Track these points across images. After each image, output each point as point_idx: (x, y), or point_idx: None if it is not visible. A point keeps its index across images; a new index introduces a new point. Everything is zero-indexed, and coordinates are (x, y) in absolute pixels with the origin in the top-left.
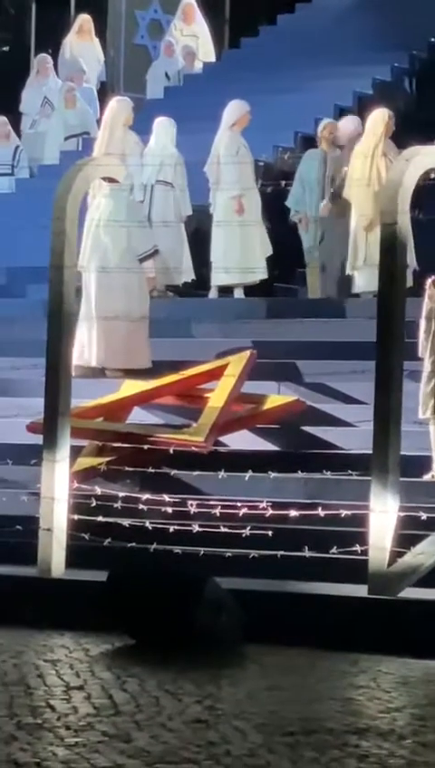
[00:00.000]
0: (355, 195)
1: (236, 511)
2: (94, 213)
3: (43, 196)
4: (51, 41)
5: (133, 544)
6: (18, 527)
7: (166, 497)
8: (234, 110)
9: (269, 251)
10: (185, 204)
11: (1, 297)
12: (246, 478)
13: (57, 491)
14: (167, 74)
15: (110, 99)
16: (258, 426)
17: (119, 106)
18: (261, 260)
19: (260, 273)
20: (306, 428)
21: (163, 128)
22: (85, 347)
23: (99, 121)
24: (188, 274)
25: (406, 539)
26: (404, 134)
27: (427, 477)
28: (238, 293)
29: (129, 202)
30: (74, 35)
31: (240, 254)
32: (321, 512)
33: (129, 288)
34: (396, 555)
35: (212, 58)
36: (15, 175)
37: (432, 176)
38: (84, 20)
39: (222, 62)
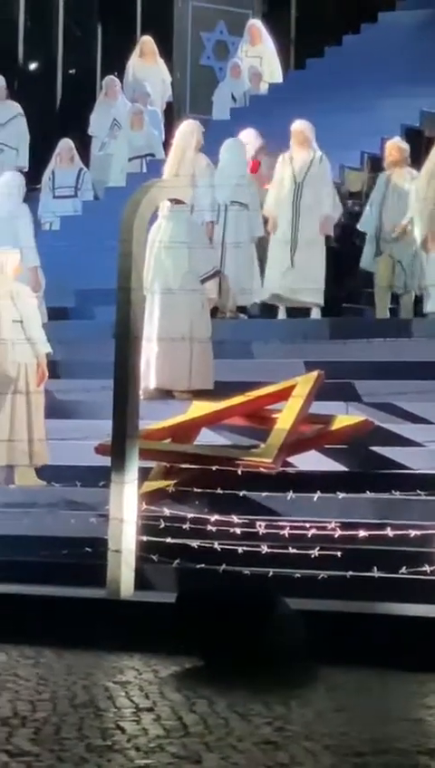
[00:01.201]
0: (419, 214)
1: (305, 531)
2: (156, 234)
3: (109, 217)
4: (117, 63)
5: (202, 565)
6: (87, 549)
7: (235, 518)
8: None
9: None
10: (257, 224)
11: (71, 319)
12: (315, 499)
13: (126, 512)
14: (233, 95)
15: (176, 120)
16: (326, 446)
17: (190, 128)
18: (319, 282)
19: (316, 295)
20: (374, 448)
21: (235, 148)
22: (150, 369)
23: (164, 143)
24: (257, 295)
25: None
26: None
27: None
28: (315, 314)
29: (190, 223)
30: (137, 58)
31: (311, 274)
32: (389, 532)
33: (190, 309)
34: None
35: (278, 79)
36: (79, 197)
37: None
38: (146, 42)
39: (287, 83)
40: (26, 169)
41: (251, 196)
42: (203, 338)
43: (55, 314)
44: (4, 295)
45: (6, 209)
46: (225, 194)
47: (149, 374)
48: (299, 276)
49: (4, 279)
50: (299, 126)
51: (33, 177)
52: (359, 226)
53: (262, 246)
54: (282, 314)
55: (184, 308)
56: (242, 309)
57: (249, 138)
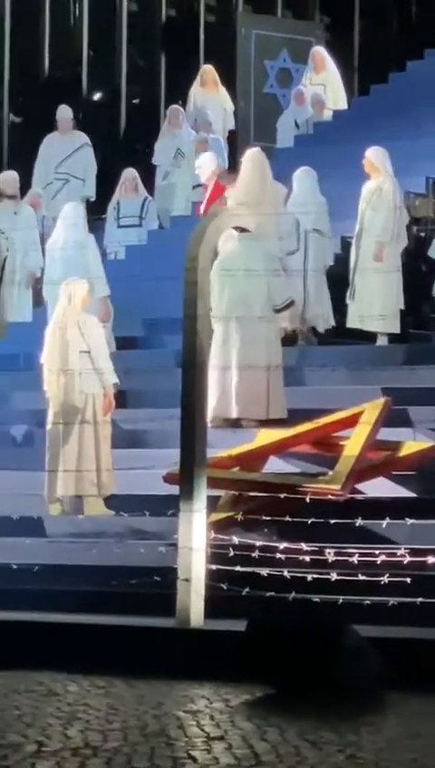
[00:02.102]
0: None
1: (375, 558)
2: (225, 262)
3: (174, 246)
4: (181, 92)
5: (272, 593)
6: (156, 578)
7: (304, 546)
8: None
9: (401, 302)
10: (331, 252)
11: (140, 348)
12: (384, 525)
13: (195, 541)
14: (296, 123)
15: (240, 148)
16: (394, 472)
17: (260, 156)
18: (396, 308)
19: (391, 322)
20: None
21: (309, 177)
22: (221, 397)
23: (229, 172)
24: (329, 321)
25: None
26: None
27: None
28: (381, 341)
29: (265, 251)
30: (199, 86)
31: (378, 300)
32: None
33: (268, 337)
34: None
35: (343, 105)
36: (144, 227)
37: None
38: (207, 71)
39: (351, 110)
40: (93, 199)
41: (327, 223)
42: (279, 366)
43: (122, 344)
44: (71, 326)
45: (74, 239)
46: (308, 221)
47: (227, 403)
48: (363, 304)
49: (72, 309)
50: (367, 153)
51: (98, 207)
52: (430, 253)
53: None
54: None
55: (262, 337)
56: (315, 335)
57: (207, 162)
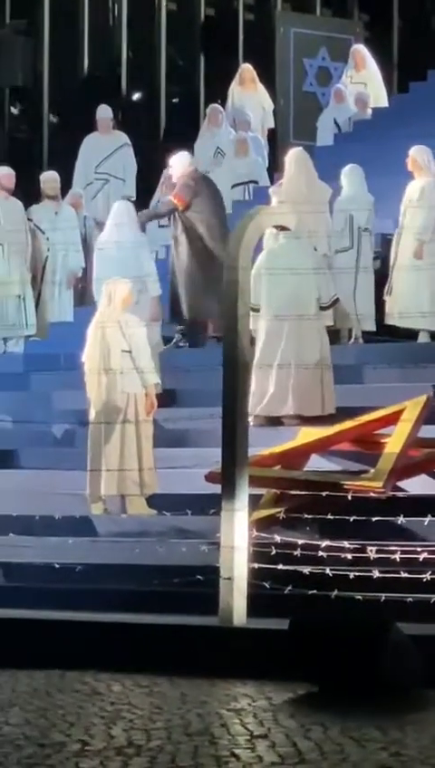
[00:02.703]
0: None
1: (416, 555)
2: (268, 260)
3: None
4: (220, 91)
5: (314, 591)
6: (199, 577)
7: (346, 544)
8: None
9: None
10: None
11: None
12: (425, 523)
13: (237, 540)
14: (336, 121)
15: (279, 147)
16: None
17: (302, 155)
18: (426, 306)
19: (432, 320)
20: None
21: (357, 174)
22: (274, 395)
23: (268, 170)
24: (372, 318)
25: None
26: None
27: None
28: (423, 338)
29: (311, 250)
30: (237, 85)
31: (418, 298)
32: None
33: (318, 335)
34: None
35: (384, 103)
36: None
37: None
38: (245, 69)
39: (391, 107)
40: (133, 199)
41: (373, 221)
42: (330, 362)
43: (165, 343)
44: (113, 325)
45: (126, 239)
46: (362, 219)
47: (282, 400)
48: (401, 301)
49: (113, 309)
50: (411, 151)
51: (139, 206)
52: None
53: None
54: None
55: (316, 334)
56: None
57: (182, 161)
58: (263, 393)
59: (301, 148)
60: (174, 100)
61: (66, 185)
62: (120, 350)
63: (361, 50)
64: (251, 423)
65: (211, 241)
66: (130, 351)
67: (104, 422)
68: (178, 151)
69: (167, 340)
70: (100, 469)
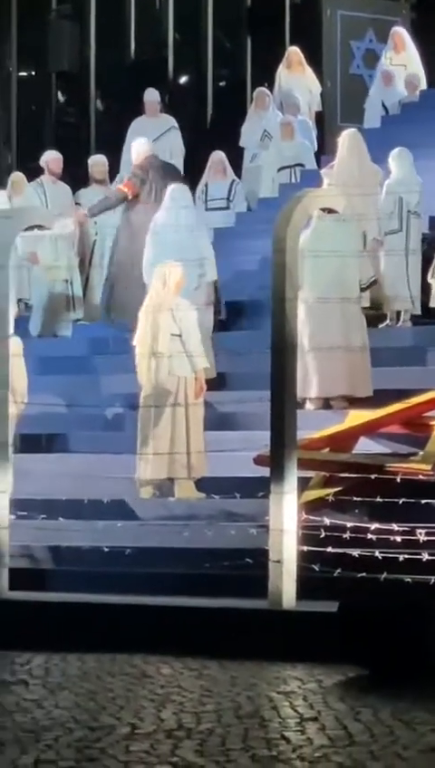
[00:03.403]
0: None
1: None
2: (311, 243)
3: (262, 228)
4: (267, 74)
5: (363, 574)
6: (248, 560)
7: (395, 526)
8: None
9: None
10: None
11: (227, 331)
12: None
13: (286, 523)
14: (383, 103)
15: (327, 130)
16: None
17: (355, 137)
18: None
19: None
20: None
21: (407, 157)
22: (324, 377)
23: (316, 153)
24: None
25: None
26: None
27: None
28: None
29: (353, 232)
30: (285, 68)
31: None
32: None
33: (359, 318)
34: None
35: (423, 85)
36: (232, 209)
37: None
38: (293, 52)
39: None
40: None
41: (422, 203)
42: (361, 346)
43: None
44: (164, 309)
45: (184, 222)
46: (411, 202)
47: (334, 382)
48: None
49: (166, 293)
50: None
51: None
52: None
53: None
54: None
55: (358, 317)
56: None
57: (139, 148)
58: (311, 376)
59: (355, 129)
60: (221, 84)
61: (114, 168)
62: (171, 333)
63: (400, 32)
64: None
65: None
66: (180, 335)
67: (154, 405)
68: (224, 134)
69: None
70: (150, 453)
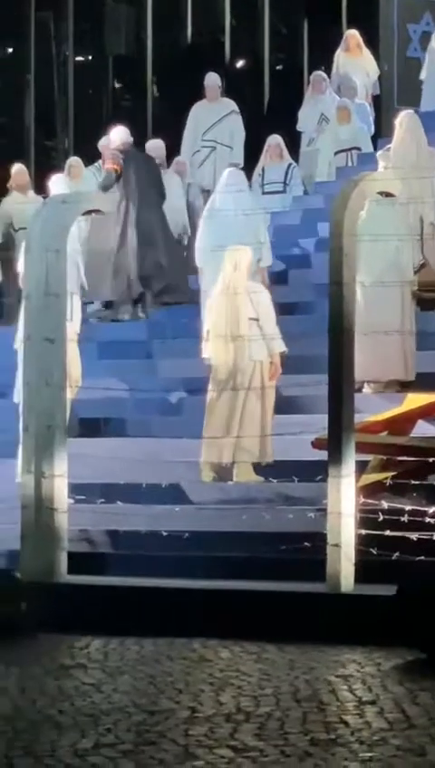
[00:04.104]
0: None
1: None
2: (371, 226)
3: (319, 212)
4: (324, 58)
5: (422, 557)
6: (306, 544)
7: None
8: None
9: None
10: None
11: (286, 314)
12: None
13: (344, 506)
14: None
15: (384, 113)
16: None
17: (413, 119)
18: None
19: None
20: None
21: None
22: (387, 361)
23: (373, 137)
24: None
25: None
26: None
27: None
28: None
29: (402, 215)
30: (343, 51)
31: None
32: None
33: (410, 302)
34: None
35: None
36: (288, 192)
37: None
38: (351, 35)
39: None
40: (241, 166)
41: None
42: (409, 330)
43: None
44: (241, 292)
45: (242, 206)
46: None
47: (397, 366)
48: None
49: (240, 276)
50: None
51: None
52: None
53: None
54: None
55: (409, 301)
56: None
57: (119, 135)
58: (370, 360)
59: (412, 111)
60: (277, 68)
61: (171, 153)
62: (248, 317)
63: None
64: (358, 390)
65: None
66: (257, 319)
67: (227, 389)
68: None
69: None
70: (217, 436)
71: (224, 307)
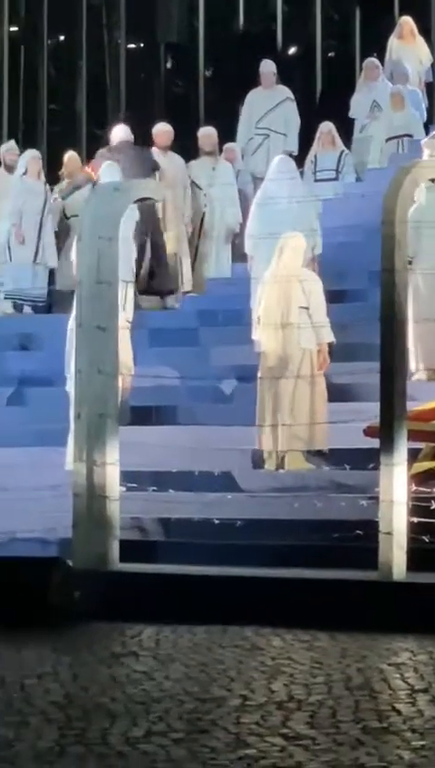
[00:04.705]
0: None
1: None
2: (423, 213)
3: (371, 199)
4: (377, 44)
5: None
6: (358, 532)
7: None
8: None
9: None
10: None
11: (337, 303)
12: None
13: (396, 494)
14: None
15: None
16: None
17: None
18: None
19: None
20: None
21: None
22: (427, 350)
23: (425, 123)
24: None
25: None
26: None
27: None
28: None
29: None
30: (396, 38)
31: None
32: None
33: None
34: None
35: None
36: (341, 180)
37: None
38: (405, 22)
39: None
40: (295, 153)
41: None
42: None
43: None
44: (293, 280)
45: (295, 193)
46: None
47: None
48: None
49: (292, 264)
50: None
51: (297, 161)
52: None
53: None
54: None
55: None
56: None
57: (120, 132)
58: (423, 348)
59: None
60: (330, 55)
61: (222, 140)
62: (299, 305)
63: None
64: (412, 378)
65: None
66: (307, 308)
67: (277, 377)
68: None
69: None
70: (270, 424)
71: (275, 295)
